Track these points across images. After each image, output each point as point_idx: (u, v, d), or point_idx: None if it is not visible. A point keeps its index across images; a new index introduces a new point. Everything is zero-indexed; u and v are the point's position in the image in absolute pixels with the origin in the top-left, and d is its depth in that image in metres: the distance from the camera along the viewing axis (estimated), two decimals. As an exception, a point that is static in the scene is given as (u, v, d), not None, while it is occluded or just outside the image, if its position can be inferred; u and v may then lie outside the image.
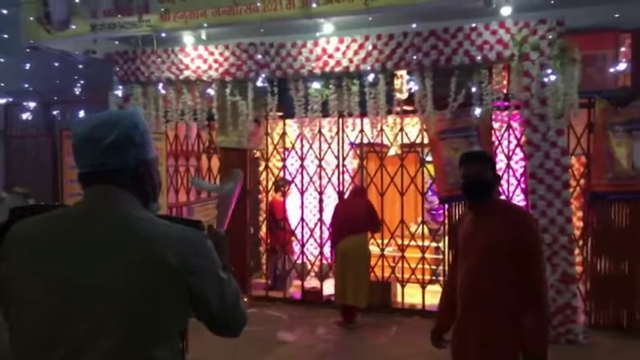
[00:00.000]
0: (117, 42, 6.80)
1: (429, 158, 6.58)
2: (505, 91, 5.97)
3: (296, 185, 7.31)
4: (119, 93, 7.09)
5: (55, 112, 7.55)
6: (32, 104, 7.06)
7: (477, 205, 2.81)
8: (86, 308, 1.28)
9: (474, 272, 2.75)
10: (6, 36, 6.30)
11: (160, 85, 7.06)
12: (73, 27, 6.12)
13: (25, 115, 7.17)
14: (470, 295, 2.77)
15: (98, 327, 1.28)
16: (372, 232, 6.34)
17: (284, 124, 7.29)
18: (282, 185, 7.60)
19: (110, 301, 1.29)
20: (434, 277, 6.97)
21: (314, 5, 5.41)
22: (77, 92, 6.90)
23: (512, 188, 6.41)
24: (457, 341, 2.81)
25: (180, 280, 1.36)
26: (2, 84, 6.69)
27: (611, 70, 5.60)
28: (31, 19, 6.17)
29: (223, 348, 5.57)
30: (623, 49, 5.59)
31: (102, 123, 1.39)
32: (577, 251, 6.05)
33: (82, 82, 6.94)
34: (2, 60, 6.27)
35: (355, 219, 6.07)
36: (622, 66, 5.59)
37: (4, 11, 5.92)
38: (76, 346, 1.28)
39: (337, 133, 6.89)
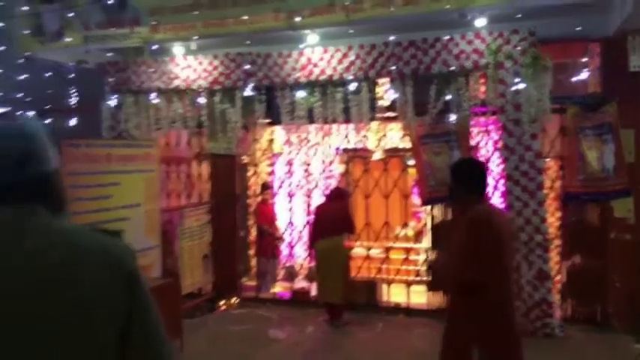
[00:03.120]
0: (110, 54, 7.00)
1: (411, 162, 6.86)
2: (482, 97, 6.27)
3: (285, 189, 7.55)
4: (111, 102, 7.29)
5: (48, 121, 7.73)
6: (30, 113, 7.25)
7: (454, 208, 3.27)
8: (26, 321, 1.22)
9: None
10: (2, 48, 6.50)
11: (152, 95, 7.27)
12: (68, 39, 6.33)
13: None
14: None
15: (20, 351, 1.21)
16: (348, 233, 6.56)
17: (272, 131, 7.53)
18: (262, 191, 7.85)
19: (31, 323, 1.22)
20: (417, 278, 7.23)
21: (298, 19, 5.67)
22: (70, 101, 7.09)
23: (490, 190, 6.70)
24: None
25: (112, 295, 1.31)
26: (2, 94, 6.87)
27: (581, 77, 5.91)
28: (26, 32, 6.37)
29: (217, 346, 5.82)
30: (591, 57, 5.90)
31: (2, 139, 1.32)
32: (555, 250, 6.36)
33: (74, 91, 7.13)
34: (13, 73, 6.47)
35: (332, 221, 6.30)
36: (591, 73, 5.90)
37: (1, 24, 6.13)
38: None
39: (322, 139, 7.14)
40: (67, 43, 6.43)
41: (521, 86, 5.66)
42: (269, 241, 7.83)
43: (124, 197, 5.70)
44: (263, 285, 7.74)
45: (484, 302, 3.01)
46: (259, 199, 7.96)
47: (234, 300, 7.39)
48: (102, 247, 1.35)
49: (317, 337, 6.15)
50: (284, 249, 8.07)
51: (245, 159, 7.99)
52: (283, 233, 7.75)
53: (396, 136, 7.30)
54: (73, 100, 7.11)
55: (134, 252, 1.42)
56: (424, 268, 7.11)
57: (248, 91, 6.75)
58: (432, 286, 6.71)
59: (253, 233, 8.13)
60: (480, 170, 3.23)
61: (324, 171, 7.28)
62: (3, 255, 1.27)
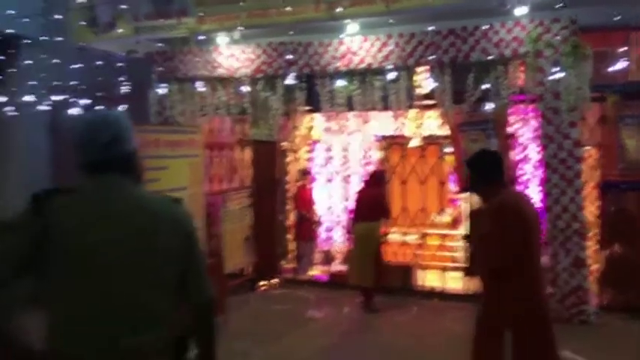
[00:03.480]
0: (159, 44, 7.29)
1: (448, 149, 6.96)
2: (521, 85, 6.28)
3: (323, 175, 7.75)
4: (159, 90, 7.59)
5: (98, 108, 8.11)
6: (84, 101, 7.63)
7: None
8: (113, 261, 1.68)
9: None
10: (60, 39, 6.87)
11: (198, 83, 7.54)
12: (120, 31, 6.65)
13: (74, 111, 7.74)
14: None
15: (122, 273, 1.69)
16: (383, 218, 6.66)
17: (311, 118, 7.72)
18: (300, 177, 8.09)
19: (128, 254, 1.70)
20: (453, 264, 7.33)
21: (339, 9, 5.82)
22: (120, 89, 7.44)
23: (528, 177, 6.75)
24: None
25: (179, 239, 1.80)
26: (59, 83, 7.26)
27: (622, 65, 5.87)
28: (83, 23, 6.72)
29: (258, 323, 6.11)
30: (633, 46, 5.85)
31: (98, 124, 1.77)
32: (594, 238, 6.37)
33: (123, 79, 7.47)
34: (58, 61, 6.83)
35: (368, 206, 6.48)
36: (633, 62, 5.85)
37: (59, 16, 6.49)
38: (116, 289, 1.69)
39: (361, 126, 7.30)
40: (118, 34, 6.75)
41: (561, 75, 5.66)
42: (307, 225, 8.08)
43: (171, 181, 5.99)
44: (301, 267, 7.99)
45: (514, 286, 3.13)
46: (298, 184, 8.21)
47: (273, 281, 7.68)
48: (172, 216, 1.83)
49: (353, 318, 6.37)
50: (321, 233, 8.30)
51: (285, 145, 8.23)
52: (321, 218, 7.97)
53: (433, 123, 7.39)
54: (123, 88, 7.45)
55: (193, 218, 1.91)
56: (461, 254, 7.23)
57: (290, 80, 6.93)
58: (468, 272, 6.84)
59: (292, 217, 8.39)
60: (494, 160, 3.34)
61: (362, 157, 7.45)
62: (100, 212, 1.74)
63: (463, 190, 6.76)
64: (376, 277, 6.48)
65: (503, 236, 3.09)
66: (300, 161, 8.12)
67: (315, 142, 7.91)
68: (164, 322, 1.78)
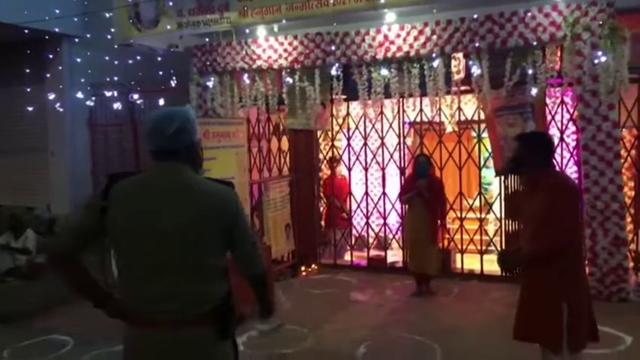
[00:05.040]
0: (206, 39, 7.48)
1: (484, 134, 7.07)
2: (558, 68, 6.37)
3: (360, 162, 7.92)
4: (209, 83, 7.74)
5: (138, 102, 8.36)
6: (128, 96, 7.87)
7: (523, 178, 3.52)
8: (159, 232, 1.98)
9: (529, 238, 3.35)
10: (106, 36, 7.11)
11: (237, 75, 7.70)
12: (168, 27, 6.84)
13: (116, 105, 8.01)
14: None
15: (166, 242, 1.99)
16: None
17: (347, 106, 7.88)
18: (332, 164, 8.27)
19: (173, 228, 1.99)
20: (490, 247, 7.46)
21: (382, 0, 5.96)
22: (161, 83, 7.66)
23: (564, 161, 6.83)
24: None
25: (222, 219, 2.05)
26: (103, 79, 7.52)
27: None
28: (130, 21, 6.94)
29: (305, 307, 6.32)
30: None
31: (165, 118, 2.06)
32: (630, 218, 6.48)
33: (163, 72, 7.70)
34: (107, 58, 7.10)
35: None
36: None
37: (108, 14, 6.73)
38: (156, 252, 2.00)
39: (398, 113, 7.44)
40: (162, 29, 6.95)
41: (602, 59, 5.75)
42: (339, 212, 8.29)
43: (220, 171, 6.21)
44: (336, 254, 8.15)
45: (568, 262, 3.24)
46: (330, 172, 8.38)
47: (313, 266, 7.89)
48: (218, 195, 2.08)
49: (398, 299, 6.54)
50: (358, 219, 8.47)
51: (321, 134, 8.40)
52: (359, 205, 8.13)
53: (469, 108, 7.50)
54: (164, 82, 7.68)
55: (237, 195, 2.17)
56: (497, 238, 7.37)
57: (333, 71, 7.09)
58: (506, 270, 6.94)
59: (325, 205, 8.57)
60: (551, 142, 3.51)
61: (397, 144, 7.59)
62: (144, 189, 2.07)
63: (501, 172, 6.89)
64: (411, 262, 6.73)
65: (569, 213, 3.22)
66: (335, 149, 8.29)
67: (351, 129, 8.06)
68: (203, 289, 2.03)
